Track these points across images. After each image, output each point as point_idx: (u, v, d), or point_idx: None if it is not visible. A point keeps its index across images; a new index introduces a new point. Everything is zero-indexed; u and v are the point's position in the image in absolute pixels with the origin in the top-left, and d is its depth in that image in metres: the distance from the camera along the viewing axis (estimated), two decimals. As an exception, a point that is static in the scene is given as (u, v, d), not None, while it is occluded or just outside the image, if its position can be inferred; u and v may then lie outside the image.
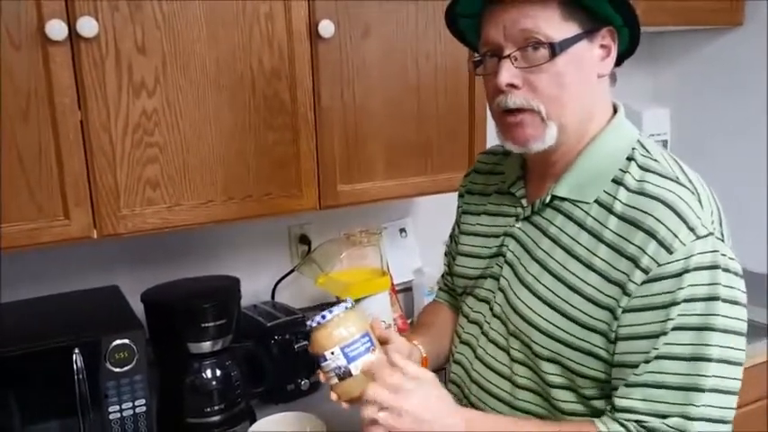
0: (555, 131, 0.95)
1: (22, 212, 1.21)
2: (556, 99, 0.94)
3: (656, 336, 0.87)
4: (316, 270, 1.78)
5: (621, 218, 0.92)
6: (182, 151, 1.34)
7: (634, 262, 0.89)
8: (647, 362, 0.88)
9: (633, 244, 0.90)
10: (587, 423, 0.92)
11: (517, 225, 1.05)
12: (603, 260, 0.92)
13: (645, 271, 0.88)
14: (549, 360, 0.97)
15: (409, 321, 1.96)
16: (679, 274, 0.86)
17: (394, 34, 1.53)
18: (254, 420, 1.44)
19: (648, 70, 2.37)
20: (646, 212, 0.90)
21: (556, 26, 0.92)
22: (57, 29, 1.17)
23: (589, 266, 0.93)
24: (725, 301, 0.87)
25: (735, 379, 0.89)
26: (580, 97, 0.96)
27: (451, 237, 1.28)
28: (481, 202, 1.17)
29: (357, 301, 1.71)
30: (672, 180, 0.94)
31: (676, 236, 0.87)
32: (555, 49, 0.92)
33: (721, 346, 0.87)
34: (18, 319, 1.39)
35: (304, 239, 1.88)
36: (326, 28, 1.42)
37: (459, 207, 1.24)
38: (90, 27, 1.20)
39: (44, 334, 1.27)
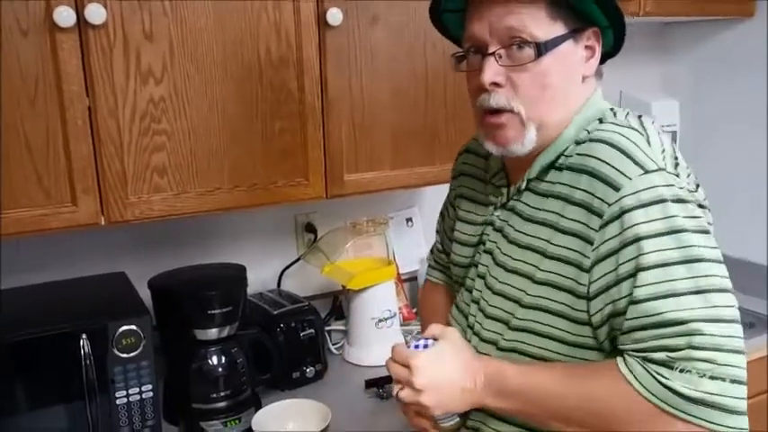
0: (534, 134, 0.94)
1: (30, 199, 1.22)
2: (536, 100, 0.92)
3: (632, 275, 0.84)
4: (322, 259, 1.78)
5: (569, 168, 0.91)
6: (189, 139, 1.34)
7: (586, 208, 0.88)
8: (633, 303, 0.84)
9: (580, 189, 0.89)
10: (609, 363, 0.88)
11: (496, 213, 1.04)
12: (569, 218, 0.90)
13: (598, 214, 0.86)
14: (522, 330, 0.96)
15: (414, 311, 1.96)
16: (631, 209, 0.84)
17: (402, 22, 1.52)
18: (259, 407, 1.45)
19: (658, 61, 2.35)
20: (590, 155, 0.89)
21: (542, 25, 0.91)
22: (65, 15, 1.17)
23: (557, 228, 0.92)
24: (693, 231, 0.84)
25: (730, 306, 0.84)
26: (563, 98, 0.95)
27: (443, 214, 1.26)
28: (472, 186, 1.15)
29: (363, 290, 1.72)
30: (619, 125, 0.92)
31: (622, 172, 0.85)
32: (541, 49, 0.90)
33: (706, 276, 0.83)
34: (26, 305, 1.40)
35: (310, 228, 1.89)
36: (335, 16, 1.42)
37: (452, 189, 1.22)
38: (98, 14, 1.20)
39: (52, 320, 1.28)
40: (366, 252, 1.84)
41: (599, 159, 0.88)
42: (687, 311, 0.81)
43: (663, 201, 0.84)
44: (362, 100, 1.52)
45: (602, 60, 0.99)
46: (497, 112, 0.94)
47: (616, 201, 0.85)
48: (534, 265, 0.94)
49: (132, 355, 1.31)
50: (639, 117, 0.97)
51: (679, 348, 0.81)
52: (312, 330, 1.63)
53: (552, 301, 0.92)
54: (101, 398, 1.29)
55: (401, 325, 1.82)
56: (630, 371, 0.84)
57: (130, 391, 1.32)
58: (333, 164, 1.51)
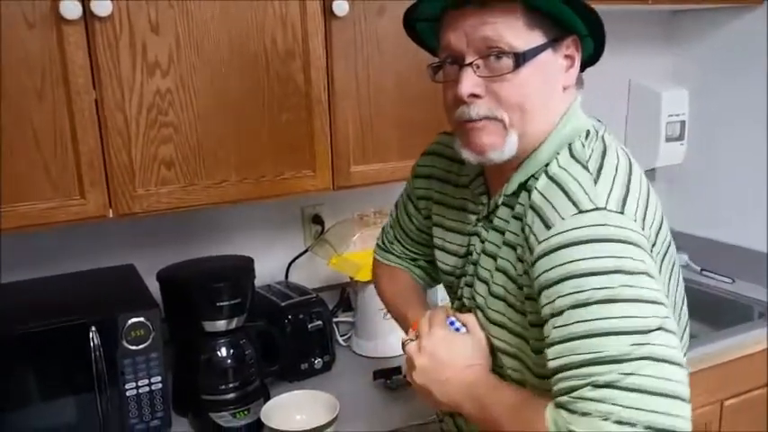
0: (515, 141, 0.92)
1: (39, 192, 1.23)
2: (519, 108, 0.90)
3: (553, 316, 0.81)
4: (329, 251, 1.78)
5: (531, 205, 0.89)
6: (196, 131, 1.34)
7: (526, 242, 0.87)
8: (551, 345, 0.80)
9: (527, 224, 0.88)
10: (543, 408, 0.82)
11: (479, 224, 1.03)
12: (522, 247, 0.90)
13: (531, 251, 0.85)
14: (507, 354, 0.97)
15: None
16: (556, 249, 0.81)
17: (408, 13, 1.51)
18: (268, 398, 1.45)
19: (667, 51, 2.33)
20: (542, 195, 0.88)
21: (520, 35, 0.88)
22: (71, 8, 1.17)
23: (518, 257, 0.92)
24: (617, 272, 0.78)
25: (640, 345, 0.76)
26: (543, 108, 0.93)
27: (405, 210, 1.24)
28: (443, 191, 1.13)
29: (369, 282, 1.71)
30: (576, 160, 0.90)
31: (557, 211, 0.84)
32: (519, 59, 0.88)
33: (626, 317, 0.77)
34: (35, 297, 1.41)
35: (317, 220, 1.89)
36: (341, 6, 1.41)
37: (416, 188, 1.20)
38: (104, 6, 1.20)
39: (61, 312, 1.28)
40: (373, 244, 1.83)
41: (543, 197, 0.87)
42: (592, 354, 0.76)
43: (592, 241, 0.80)
44: (369, 91, 1.51)
45: (582, 68, 0.97)
46: (477, 119, 0.92)
47: (545, 239, 0.83)
48: (503, 287, 0.95)
49: (141, 347, 1.32)
50: (605, 148, 0.92)
51: (576, 388, 0.76)
52: (320, 322, 1.64)
53: (516, 323, 0.93)
54: (110, 390, 1.29)
55: (409, 316, 1.81)
56: (553, 421, 0.79)
57: (140, 383, 1.33)
58: (339, 155, 1.51)
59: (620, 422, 0.72)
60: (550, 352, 0.80)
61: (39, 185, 1.22)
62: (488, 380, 0.96)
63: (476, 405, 0.93)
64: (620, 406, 0.73)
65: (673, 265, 0.96)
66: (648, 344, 0.75)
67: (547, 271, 0.82)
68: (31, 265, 1.51)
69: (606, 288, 0.77)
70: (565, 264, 0.80)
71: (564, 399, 0.77)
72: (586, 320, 0.77)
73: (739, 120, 2.15)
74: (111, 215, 1.30)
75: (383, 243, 1.33)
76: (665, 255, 0.93)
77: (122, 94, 1.26)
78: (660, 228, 0.92)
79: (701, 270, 2.17)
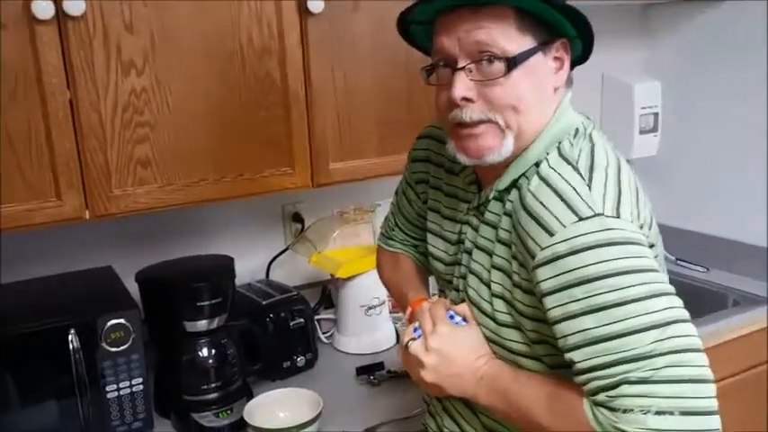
0: (512, 142, 0.94)
1: (14, 194, 1.21)
2: (513, 110, 0.92)
3: (563, 321, 0.84)
4: (309, 248, 1.78)
5: (523, 205, 0.91)
6: (172, 130, 1.34)
7: (525, 247, 0.89)
8: (575, 347, 0.84)
9: (524, 230, 0.90)
10: (579, 398, 0.87)
11: (470, 213, 1.04)
12: (516, 246, 0.92)
13: (531, 256, 0.87)
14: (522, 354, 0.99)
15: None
16: (563, 257, 0.84)
17: (383, 7, 1.51)
18: (251, 397, 1.45)
19: (641, 43, 2.35)
20: (536, 198, 0.90)
21: (512, 39, 0.90)
22: (43, 7, 1.16)
23: (513, 254, 0.94)
24: (627, 272, 0.82)
25: (673, 338, 0.81)
26: (535, 109, 0.94)
27: (404, 194, 1.25)
28: (438, 176, 1.15)
29: (351, 278, 1.72)
30: (567, 162, 0.92)
31: (558, 218, 0.86)
32: (511, 63, 0.90)
33: (644, 314, 0.81)
34: (13, 301, 1.39)
35: (297, 217, 1.89)
36: (316, 3, 1.41)
37: (413, 172, 1.21)
38: (77, 5, 1.19)
39: (39, 315, 1.27)
40: (354, 240, 1.84)
41: (540, 203, 0.89)
42: (620, 354, 0.80)
43: (596, 246, 0.83)
44: (346, 87, 1.51)
45: (571, 67, 0.99)
46: (473, 124, 0.93)
47: (548, 246, 0.85)
48: (501, 284, 0.96)
49: (122, 348, 1.31)
50: (592, 147, 0.95)
51: (611, 387, 0.81)
52: (302, 320, 1.64)
53: (506, 314, 0.96)
54: (92, 392, 1.28)
55: (390, 312, 1.82)
56: (595, 418, 0.83)
57: (121, 385, 1.32)
58: (318, 153, 1.51)
59: (659, 413, 0.78)
60: (576, 354, 0.84)
61: (15, 187, 1.21)
62: (504, 370, 0.98)
63: (499, 398, 0.96)
64: (658, 398, 0.78)
65: (660, 259, 1.00)
66: (671, 336, 0.80)
67: (554, 277, 0.84)
68: (4, 269, 1.49)
69: (619, 289, 0.81)
70: (573, 270, 0.83)
71: (602, 398, 0.82)
72: (607, 324, 0.81)
73: (712, 111, 2.18)
74: (87, 216, 1.29)
75: (385, 230, 1.35)
76: (656, 249, 0.97)
77: (97, 94, 1.25)
78: (651, 224, 0.96)
79: (676, 260, 2.21)
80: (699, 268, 2.17)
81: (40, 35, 1.18)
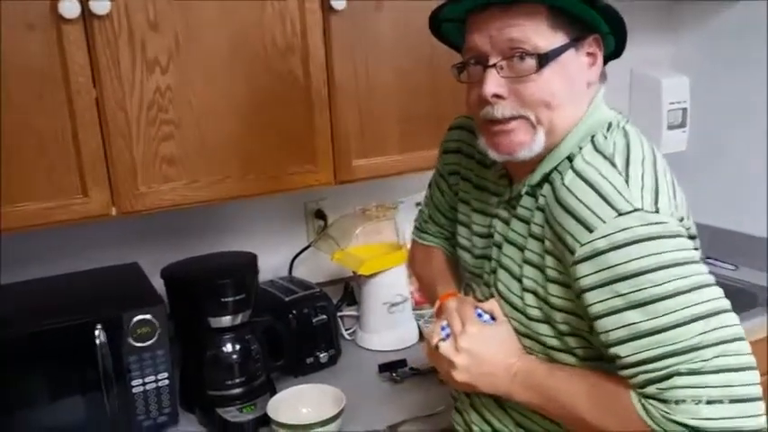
0: (543, 138, 0.93)
1: (42, 191, 1.23)
2: (545, 106, 0.92)
3: (610, 314, 0.84)
4: (332, 245, 1.79)
5: (558, 200, 0.91)
6: (197, 128, 1.35)
7: (563, 243, 0.88)
8: (617, 344, 0.85)
9: (560, 225, 0.89)
10: (624, 390, 0.88)
11: (501, 207, 1.04)
12: (551, 241, 0.92)
13: (570, 252, 0.87)
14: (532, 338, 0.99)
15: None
16: (604, 252, 0.83)
17: (406, 6, 1.51)
18: (274, 393, 1.46)
19: (669, 38, 2.32)
20: (572, 193, 0.89)
21: (544, 36, 0.90)
22: (69, 7, 1.17)
23: (546, 249, 0.93)
24: (670, 266, 0.82)
25: (720, 327, 0.82)
26: (568, 105, 0.94)
27: (438, 186, 1.25)
28: (470, 167, 1.14)
29: (374, 275, 1.72)
30: (604, 156, 0.91)
31: (597, 215, 0.85)
32: (542, 60, 0.90)
33: (689, 306, 0.82)
34: (40, 297, 1.42)
35: (320, 215, 1.89)
36: (339, 2, 1.41)
37: (445, 163, 1.21)
38: (102, 5, 1.20)
39: (67, 311, 1.29)
40: (376, 237, 1.84)
41: (577, 198, 0.88)
42: (669, 346, 0.81)
43: (638, 241, 0.83)
44: (368, 84, 1.51)
45: (604, 62, 0.98)
46: (505, 120, 0.93)
47: (588, 242, 0.85)
48: (534, 279, 0.96)
49: (147, 344, 1.32)
50: (627, 140, 0.94)
51: (661, 379, 0.82)
52: (324, 316, 1.64)
53: (536, 308, 0.96)
54: (117, 387, 1.30)
55: (413, 309, 1.82)
56: (645, 411, 0.84)
57: (146, 380, 1.34)
58: (341, 150, 1.51)
59: (711, 402, 0.80)
60: (623, 348, 0.84)
61: (40, 185, 1.22)
62: (538, 365, 0.98)
63: (535, 394, 0.96)
64: (709, 387, 0.80)
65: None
66: (717, 327, 0.82)
67: (595, 273, 0.85)
68: (33, 265, 1.52)
69: (663, 283, 0.82)
70: (616, 266, 0.83)
71: (652, 390, 0.83)
72: (653, 318, 0.82)
73: (741, 106, 2.14)
74: (113, 213, 1.30)
75: (419, 222, 1.35)
76: (697, 241, 0.97)
77: (123, 93, 1.26)
78: (689, 215, 0.96)
79: (705, 257, 2.16)
80: (728, 266, 2.13)
81: (67, 34, 1.19)
